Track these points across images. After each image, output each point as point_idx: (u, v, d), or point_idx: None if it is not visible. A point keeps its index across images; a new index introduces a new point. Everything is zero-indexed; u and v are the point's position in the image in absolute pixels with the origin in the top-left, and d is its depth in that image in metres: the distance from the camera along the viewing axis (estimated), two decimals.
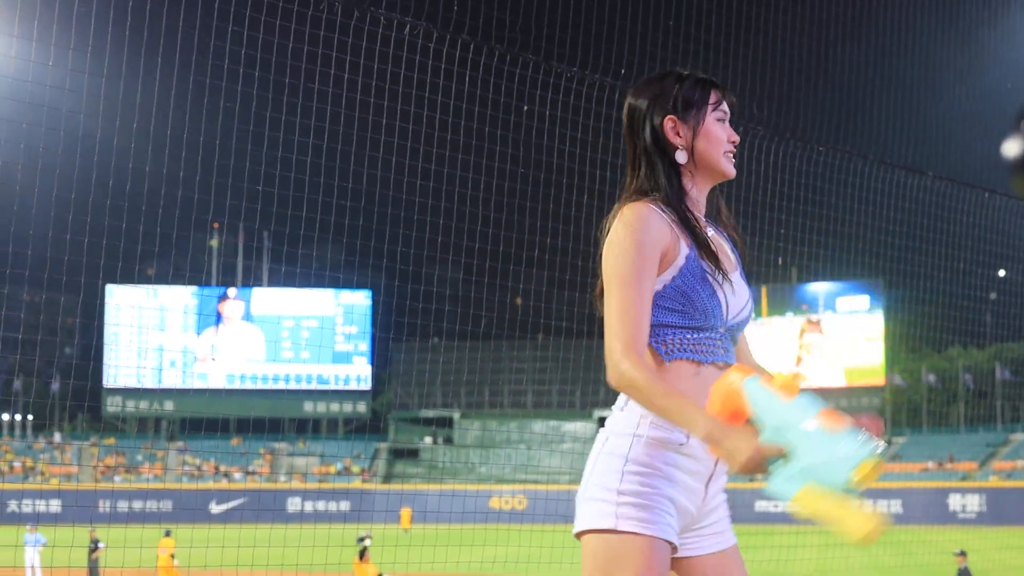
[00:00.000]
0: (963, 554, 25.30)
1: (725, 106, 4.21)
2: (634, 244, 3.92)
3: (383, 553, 33.83)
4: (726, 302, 4.03)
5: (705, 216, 4.24)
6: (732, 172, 4.20)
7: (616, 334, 3.86)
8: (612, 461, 3.98)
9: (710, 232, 4.18)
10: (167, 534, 30.62)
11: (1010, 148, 1.97)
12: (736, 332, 4.12)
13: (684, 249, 3.99)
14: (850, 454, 3.51)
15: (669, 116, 4.16)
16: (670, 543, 3.93)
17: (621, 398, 4.09)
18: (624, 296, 3.89)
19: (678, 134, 4.15)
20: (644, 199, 4.05)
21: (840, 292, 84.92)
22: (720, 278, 4.02)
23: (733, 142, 4.19)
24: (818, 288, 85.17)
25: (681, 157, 4.15)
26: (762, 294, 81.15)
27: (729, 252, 4.25)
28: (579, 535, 4.00)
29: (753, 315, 4.22)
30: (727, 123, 4.20)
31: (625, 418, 4.02)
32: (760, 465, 3.56)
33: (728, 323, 4.05)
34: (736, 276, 4.15)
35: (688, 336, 3.97)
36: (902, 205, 25.07)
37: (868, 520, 3.50)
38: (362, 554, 24.47)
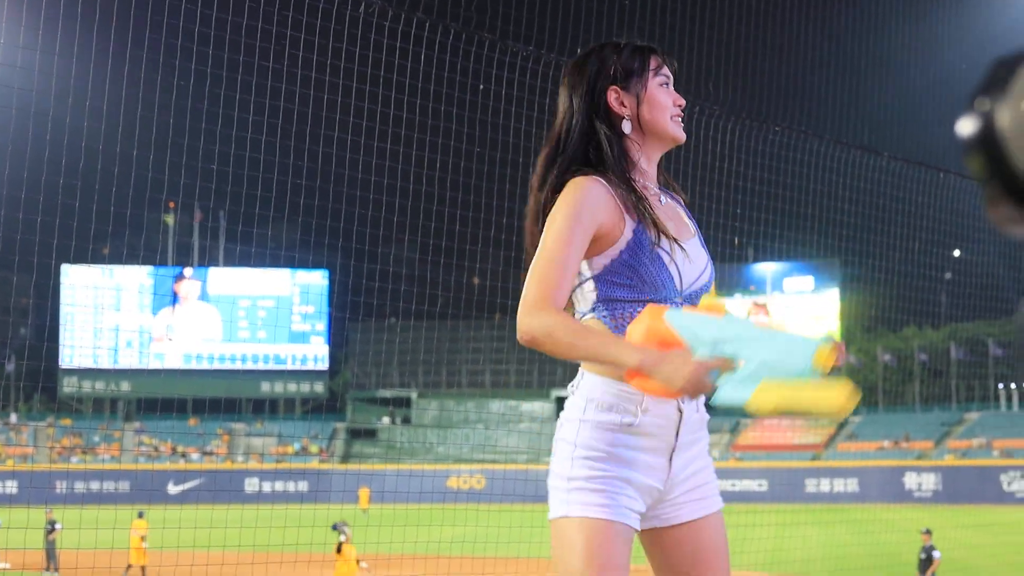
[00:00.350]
0: (928, 532, 25.40)
1: (667, 71, 4.17)
2: (568, 215, 3.86)
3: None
4: (679, 272, 3.97)
5: (659, 185, 4.22)
6: (681, 136, 4.17)
7: (526, 294, 3.82)
8: (563, 448, 3.97)
9: (664, 200, 4.14)
10: (140, 515, 30.57)
11: (965, 127, 1.96)
12: (695, 300, 4.04)
13: (630, 223, 3.94)
14: (805, 342, 3.51)
15: (612, 87, 4.11)
16: (626, 524, 3.91)
17: (571, 385, 4.07)
18: (544, 261, 3.82)
19: (623, 104, 4.10)
20: (589, 173, 3.98)
21: (788, 272, 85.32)
22: (670, 248, 3.97)
23: (679, 105, 4.16)
24: (766, 268, 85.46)
25: (627, 127, 4.10)
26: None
27: (685, 219, 4.21)
28: (550, 522, 4.02)
29: (712, 279, 4.15)
30: (671, 87, 4.16)
31: (572, 403, 4.01)
32: (703, 383, 3.51)
33: (684, 292, 3.99)
34: (693, 242, 4.10)
35: (639, 309, 3.88)
36: (858, 185, 25.17)
37: (839, 391, 3.49)
38: (339, 548, 24.46)
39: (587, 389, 3.96)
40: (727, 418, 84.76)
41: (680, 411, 3.97)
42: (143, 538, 29.04)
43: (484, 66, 16.44)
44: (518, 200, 19.11)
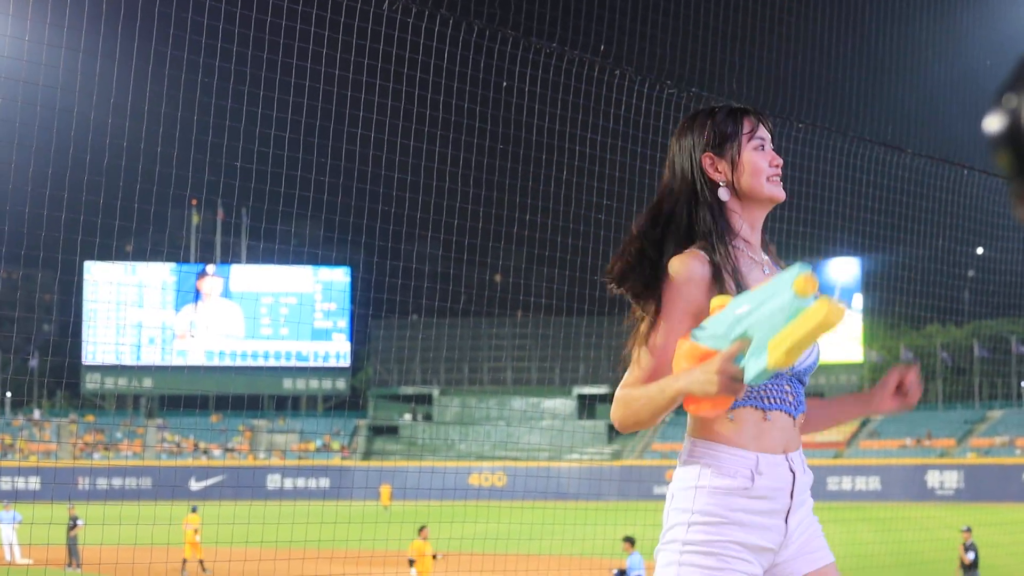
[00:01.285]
0: (968, 530, 25.24)
1: (762, 132, 4.13)
2: (670, 299, 3.91)
3: (363, 530, 33.81)
4: None
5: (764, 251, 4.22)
6: (780, 195, 4.15)
7: (624, 379, 3.93)
8: (679, 516, 3.98)
9: (767, 271, 4.12)
10: (193, 510, 30.97)
11: (992, 124, 1.95)
12: (805, 377, 4.08)
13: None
14: (784, 281, 3.56)
15: (706, 153, 4.10)
16: None
17: (683, 449, 4.10)
18: (645, 348, 3.91)
19: (717, 170, 4.09)
20: (691, 248, 3.99)
21: (819, 270, 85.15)
22: None
23: (776, 165, 4.13)
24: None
25: (724, 194, 4.09)
26: None
27: None
28: None
29: (818, 358, 4.16)
30: (767, 148, 4.13)
31: (686, 472, 4.02)
32: (731, 373, 3.58)
33: (794, 369, 4.00)
34: None
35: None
36: (881, 182, 25.09)
37: (822, 305, 3.49)
38: (420, 529, 24.54)
39: (701, 456, 3.99)
40: None
41: (792, 472, 4.03)
42: (196, 531, 29.64)
43: (508, 63, 16.42)
44: (541, 198, 19.11)
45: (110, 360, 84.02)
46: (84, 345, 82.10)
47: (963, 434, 76.74)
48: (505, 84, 17.07)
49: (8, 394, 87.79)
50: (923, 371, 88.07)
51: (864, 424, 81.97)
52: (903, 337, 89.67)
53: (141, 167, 16.87)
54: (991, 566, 25.42)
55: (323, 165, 17.95)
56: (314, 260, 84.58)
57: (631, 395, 3.83)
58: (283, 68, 16.33)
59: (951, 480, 68.24)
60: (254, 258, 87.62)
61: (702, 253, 3.94)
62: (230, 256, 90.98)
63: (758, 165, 4.07)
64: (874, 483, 70.19)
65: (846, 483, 70.78)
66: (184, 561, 29.75)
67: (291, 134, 17.13)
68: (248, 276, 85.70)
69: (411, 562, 23.86)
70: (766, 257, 4.18)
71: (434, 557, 24.37)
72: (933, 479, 68.73)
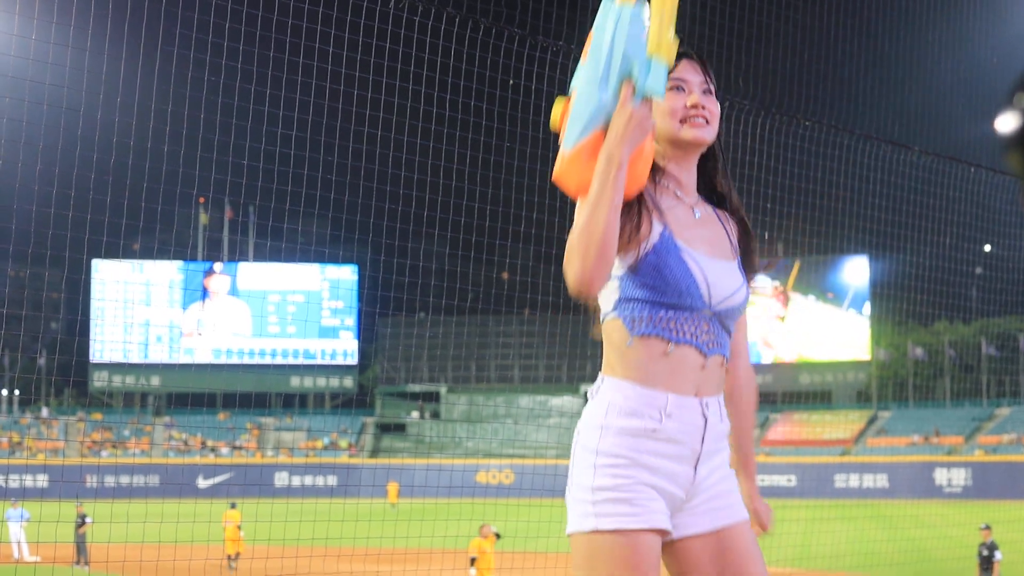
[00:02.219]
0: (988, 528, 25.05)
1: (685, 74, 4.06)
2: None
3: (370, 527, 33.88)
4: (706, 281, 3.90)
5: (702, 197, 4.18)
6: (695, 137, 4.03)
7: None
8: (585, 456, 3.89)
9: (699, 213, 4.08)
10: (232, 506, 31.11)
11: (1004, 123, 1.94)
12: (727, 320, 3.98)
13: (657, 226, 3.91)
14: (604, 17, 3.69)
15: None
16: (659, 530, 3.85)
17: (590, 389, 4.04)
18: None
19: None
20: None
21: (831, 267, 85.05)
22: (697, 256, 3.93)
23: (692, 106, 4.03)
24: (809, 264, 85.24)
25: None
26: None
27: (728, 238, 4.14)
28: (568, 536, 3.91)
29: (746, 303, 4.09)
30: (688, 90, 4.05)
31: (594, 408, 3.94)
32: (640, 106, 3.68)
33: (714, 307, 3.92)
34: (730, 263, 4.04)
35: (660, 313, 3.86)
36: (888, 180, 25.07)
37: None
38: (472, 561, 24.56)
39: (608, 393, 3.90)
40: (756, 412, 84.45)
41: (705, 417, 3.92)
42: (239, 527, 29.98)
43: (514, 61, 16.42)
44: (548, 196, 19.11)
45: (118, 358, 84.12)
46: (92, 343, 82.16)
47: (971, 431, 76.65)
48: (512, 82, 17.07)
49: (16, 392, 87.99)
50: (931, 368, 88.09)
51: (872, 422, 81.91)
52: (911, 335, 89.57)
53: (148, 165, 16.89)
54: (1002, 563, 25.35)
55: (330, 164, 17.96)
56: (321, 258, 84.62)
57: (572, 233, 3.69)
58: (290, 66, 16.35)
59: (959, 477, 68.16)
60: (261, 256, 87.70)
61: None
62: (237, 254, 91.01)
63: (668, 105, 4.01)
64: (882, 481, 70.12)
65: (854, 481, 70.73)
66: (228, 557, 30.09)
67: (298, 132, 17.14)
68: (255, 274, 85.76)
69: (472, 560, 23.88)
70: (704, 205, 4.15)
71: (497, 536, 24.29)
72: (941, 476, 68.67)
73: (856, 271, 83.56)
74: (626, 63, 3.60)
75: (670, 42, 3.55)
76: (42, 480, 57.70)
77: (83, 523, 29.92)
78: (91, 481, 56.94)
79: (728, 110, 18.64)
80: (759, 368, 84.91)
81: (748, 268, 4.17)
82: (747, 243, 4.22)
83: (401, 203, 18.98)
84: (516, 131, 18.32)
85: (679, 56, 4.07)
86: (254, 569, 26.96)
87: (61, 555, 29.40)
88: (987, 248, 42.51)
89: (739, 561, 4.00)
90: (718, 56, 19.65)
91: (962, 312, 68.14)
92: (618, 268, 3.91)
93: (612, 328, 3.95)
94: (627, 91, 3.63)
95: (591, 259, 3.62)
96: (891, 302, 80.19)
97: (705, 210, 4.13)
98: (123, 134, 15.88)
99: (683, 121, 4.02)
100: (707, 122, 4.04)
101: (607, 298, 3.98)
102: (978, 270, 44.68)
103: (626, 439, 3.84)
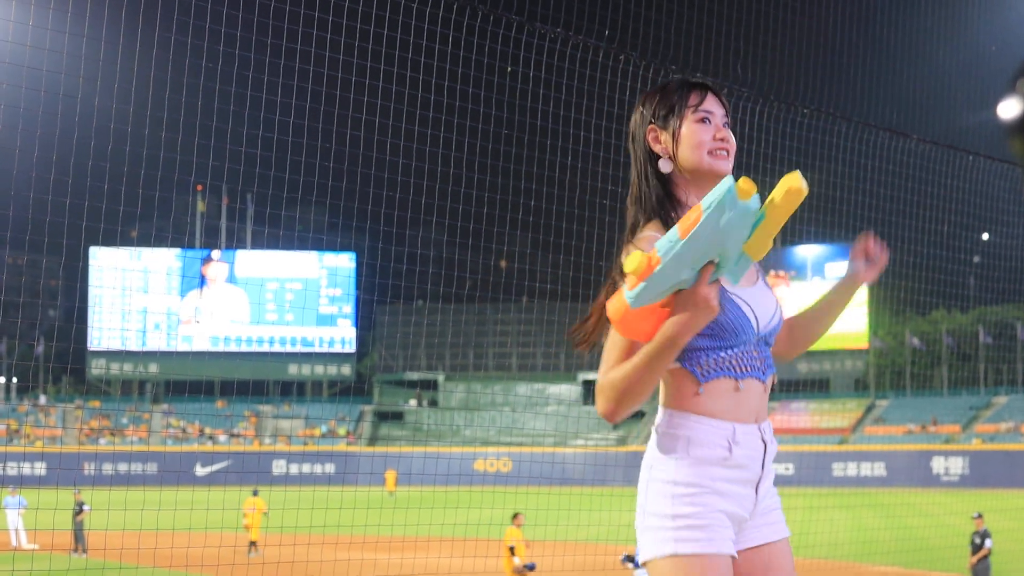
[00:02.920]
0: (980, 517, 25.10)
1: (709, 105, 4.13)
2: None
3: (368, 515, 33.87)
4: (754, 314, 4.04)
5: None
6: (722, 169, 4.10)
7: (598, 386, 3.97)
8: (662, 487, 4.02)
9: None
10: (255, 493, 31.83)
11: (1007, 109, 1.93)
12: (770, 338, 4.13)
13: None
14: (719, 204, 3.58)
15: (651, 126, 4.15)
16: (728, 555, 4.00)
17: (659, 421, 4.13)
18: (608, 344, 3.98)
19: (659, 142, 4.13)
20: (651, 223, 4.07)
21: (828, 257, 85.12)
22: (741, 291, 4.04)
23: (720, 139, 4.10)
24: (806, 252, 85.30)
25: (664, 166, 4.13)
26: None
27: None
28: (645, 563, 4.05)
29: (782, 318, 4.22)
30: (712, 123, 4.11)
31: (663, 441, 4.07)
32: (710, 289, 3.69)
33: (760, 333, 4.06)
34: (759, 285, 4.14)
35: (722, 355, 3.99)
36: (886, 168, 25.05)
37: (787, 181, 3.62)
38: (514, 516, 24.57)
39: (679, 427, 4.03)
40: None
41: (764, 442, 4.09)
42: (266, 513, 30.67)
43: (512, 48, 16.40)
44: (545, 183, 19.11)
45: (115, 346, 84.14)
46: (89, 331, 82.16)
47: (968, 420, 76.72)
48: (509, 69, 17.06)
49: (14, 380, 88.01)
50: (928, 357, 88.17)
51: (869, 410, 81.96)
52: (908, 323, 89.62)
53: (146, 153, 16.88)
54: (996, 551, 25.41)
55: (328, 151, 17.94)
56: (319, 246, 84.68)
57: (614, 376, 3.85)
58: (287, 53, 16.32)
59: (956, 466, 68.24)
60: (259, 244, 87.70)
61: (651, 233, 4.00)
62: (235, 242, 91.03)
63: (697, 138, 4.08)
64: (879, 469, 70.21)
65: (851, 469, 70.82)
66: (251, 544, 30.57)
67: (296, 120, 17.12)
68: (253, 262, 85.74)
69: (511, 550, 23.94)
70: None
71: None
72: (938, 465, 68.74)
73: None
74: (720, 252, 3.65)
75: (768, 245, 3.64)
76: (40, 468, 57.77)
77: (81, 510, 29.95)
78: (89, 469, 56.95)
79: (727, 97, 18.64)
80: None
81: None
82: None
83: (399, 190, 18.96)
84: (514, 118, 18.31)
85: (703, 88, 4.16)
86: (253, 556, 26.99)
87: (59, 542, 29.43)
88: (985, 236, 42.55)
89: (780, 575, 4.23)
90: (716, 44, 19.63)
91: (960, 301, 68.21)
92: None
93: (677, 375, 4.05)
94: (707, 274, 3.68)
95: (623, 410, 3.89)
96: (888, 290, 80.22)
97: None
98: (120, 121, 15.87)
99: (709, 153, 4.09)
100: (728, 154, 4.13)
101: None
102: (976, 258, 44.73)
103: (702, 468, 3.99)
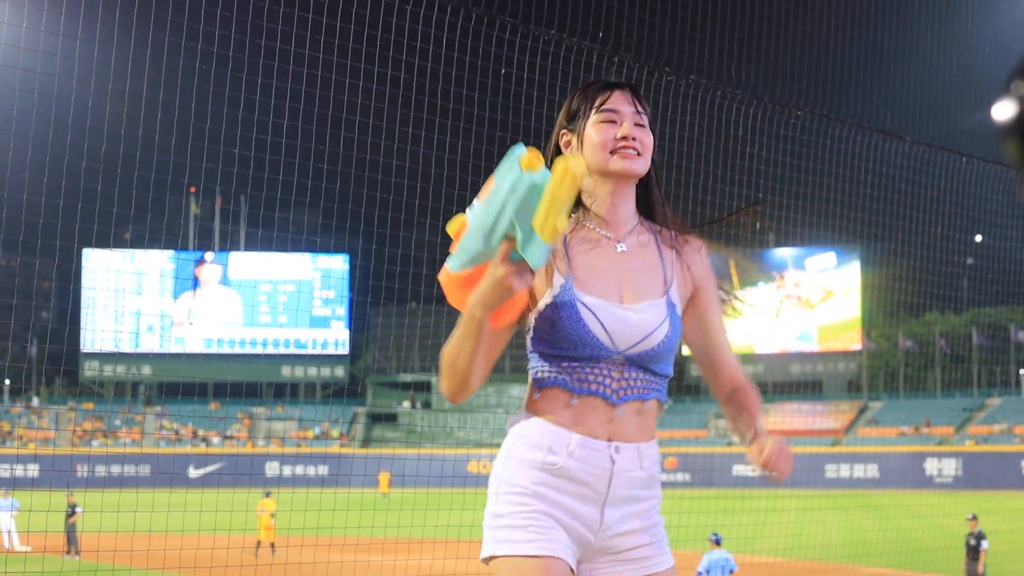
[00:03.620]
0: (975, 518, 25.08)
1: (616, 105, 3.98)
2: None
3: (361, 517, 33.81)
4: (604, 330, 3.83)
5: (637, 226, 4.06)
6: (624, 168, 3.93)
7: None
8: (492, 484, 3.93)
9: (622, 247, 3.98)
10: (267, 495, 32.18)
11: (1001, 112, 1.92)
12: (652, 362, 3.89)
13: (559, 278, 3.88)
14: (509, 173, 3.60)
15: (563, 130, 4.09)
16: (559, 558, 3.80)
17: (508, 423, 4.04)
18: None
19: (569, 146, 4.05)
20: None
21: (811, 252, 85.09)
22: (596, 305, 3.86)
23: (623, 137, 3.94)
24: (786, 253, 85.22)
25: None
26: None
27: (661, 270, 4.01)
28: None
29: (672, 342, 3.94)
30: (620, 122, 3.96)
31: (507, 439, 3.97)
32: (514, 267, 3.61)
33: (625, 352, 3.84)
34: (648, 303, 3.91)
35: (562, 364, 3.85)
36: (880, 170, 25.09)
37: (560, 162, 3.53)
38: None
39: (520, 427, 3.93)
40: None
41: (613, 461, 3.85)
42: (273, 515, 30.87)
43: (506, 50, 16.40)
44: None
45: (108, 347, 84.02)
46: (82, 332, 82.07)
47: (961, 422, 76.79)
48: (503, 71, 17.05)
49: (7, 381, 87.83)
50: (922, 359, 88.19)
51: (862, 412, 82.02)
52: (901, 325, 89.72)
53: (139, 154, 16.86)
54: (990, 553, 25.42)
55: (321, 152, 17.94)
56: (312, 247, 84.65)
57: (443, 353, 3.78)
58: (280, 54, 16.32)
59: (949, 468, 68.26)
60: (252, 245, 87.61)
61: None
62: (228, 243, 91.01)
63: (599, 138, 3.94)
64: (872, 471, 70.21)
65: (844, 471, 70.82)
66: (258, 544, 30.78)
67: (289, 121, 17.11)
68: (247, 263, 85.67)
69: None
70: (639, 235, 4.03)
71: None
72: (932, 467, 68.75)
73: (846, 261, 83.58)
74: (512, 226, 3.59)
75: (555, 227, 3.49)
76: (33, 470, 57.64)
77: (73, 513, 29.91)
78: (82, 470, 56.91)
79: (720, 99, 18.64)
80: (750, 358, 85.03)
81: (703, 295, 4.09)
82: (698, 267, 4.10)
83: (392, 192, 18.96)
84: (508, 120, 18.30)
85: (612, 87, 4.03)
86: (244, 559, 26.99)
87: (52, 545, 29.37)
88: (978, 238, 42.54)
89: None
90: (710, 46, 19.64)
91: (953, 302, 68.35)
92: (531, 318, 3.92)
93: (529, 372, 3.97)
94: (505, 249, 3.60)
95: (455, 385, 3.82)
96: (882, 292, 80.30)
97: (638, 240, 4.03)
98: (114, 122, 15.86)
99: (613, 152, 3.93)
100: (638, 153, 3.94)
101: (528, 344, 3.99)
102: (969, 260, 44.81)
103: (528, 471, 3.84)
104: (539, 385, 3.90)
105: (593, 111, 3.99)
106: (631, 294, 3.91)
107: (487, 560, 3.87)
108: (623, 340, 3.84)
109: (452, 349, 3.75)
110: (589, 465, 3.83)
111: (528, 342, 3.96)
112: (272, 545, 30.74)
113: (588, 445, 3.82)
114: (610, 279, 3.91)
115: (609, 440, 3.85)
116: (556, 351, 3.84)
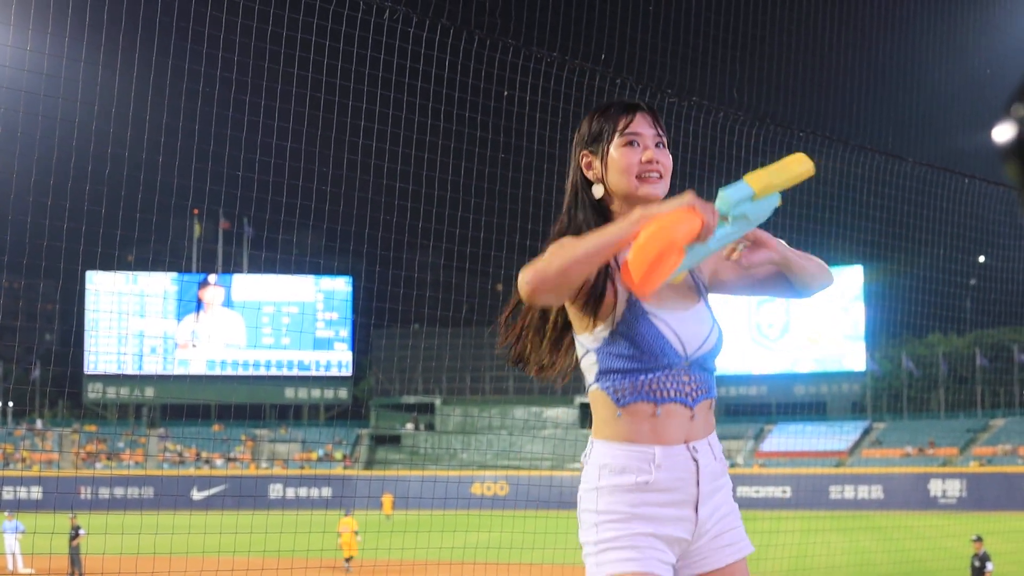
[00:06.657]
0: (980, 540, 25.06)
1: (639, 128, 4.07)
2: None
3: (365, 539, 33.82)
4: (678, 338, 3.97)
5: None
6: (650, 194, 4.04)
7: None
8: (587, 518, 4.03)
9: None
10: (347, 514, 33.02)
11: (1001, 133, 1.93)
12: (708, 362, 4.06)
13: (623, 293, 3.96)
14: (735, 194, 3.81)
15: (584, 151, 4.15)
16: (655, 574, 3.95)
17: (585, 452, 4.12)
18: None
19: (591, 168, 4.12)
20: None
21: None
22: (663, 312, 3.98)
23: (648, 161, 4.05)
24: None
25: (597, 191, 4.12)
26: None
27: (693, 278, 4.18)
28: None
29: (722, 342, 4.12)
30: (642, 145, 4.06)
31: (588, 473, 4.06)
32: (710, 206, 3.68)
33: (690, 357, 4.00)
34: (694, 309, 4.07)
35: (641, 378, 3.95)
36: (882, 191, 25.12)
37: (798, 157, 3.75)
38: None
39: (599, 457, 4.02)
40: (751, 424, 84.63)
41: (696, 461, 4.02)
42: (356, 532, 32.28)
43: (509, 72, 16.44)
44: (543, 206, 19.11)
45: (112, 369, 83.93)
46: (86, 355, 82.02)
47: (966, 443, 76.63)
48: (506, 93, 17.08)
49: (10, 403, 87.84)
50: (925, 380, 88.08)
51: (866, 433, 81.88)
52: (905, 346, 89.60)
53: (143, 177, 16.90)
54: (994, 574, 25.39)
55: (325, 175, 17.99)
56: (316, 270, 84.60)
57: (557, 250, 3.71)
58: (284, 78, 16.36)
59: (954, 489, 68.12)
60: (256, 268, 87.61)
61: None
62: (232, 266, 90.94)
63: (624, 162, 4.04)
64: (876, 492, 70.06)
65: (848, 492, 70.68)
66: (349, 559, 31.81)
67: (293, 144, 17.17)
68: (250, 286, 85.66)
69: None
70: None
71: None
72: (936, 488, 68.62)
73: (850, 282, 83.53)
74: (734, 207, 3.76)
75: (769, 184, 3.73)
76: (36, 492, 57.64)
77: (77, 535, 29.89)
78: (85, 493, 56.88)
79: (723, 121, 18.67)
80: (752, 380, 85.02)
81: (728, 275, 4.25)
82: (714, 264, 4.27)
83: (396, 214, 18.98)
84: (511, 142, 18.34)
85: (633, 109, 4.11)
86: None
87: (55, 567, 29.37)
88: (981, 259, 42.51)
89: None
90: (712, 67, 19.69)
91: (956, 323, 68.21)
92: (593, 342, 4.01)
93: (598, 398, 4.06)
94: (715, 204, 3.72)
95: (551, 277, 3.68)
96: (885, 313, 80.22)
97: None
98: (118, 145, 15.89)
99: (639, 177, 4.04)
100: (661, 177, 4.06)
101: (588, 370, 4.09)
102: (972, 281, 44.71)
103: (621, 495, 3.96)
104: (621, 403, 3.98)
105: (617, 134, 4.07)
106: (679, 301, 4.07)
107: None
108: (691, 345, 4.00)
109: (573, 254, 3.65)
110: (677, 471, 3.99)
111: (595, 368, 4.05)
112: (349, 560, 31.84)
113: (671, 453, 3.97)
114: (662, 291, 4.01)
115: (686, 442, 4.01)
116: (635, 365, 3.95)
